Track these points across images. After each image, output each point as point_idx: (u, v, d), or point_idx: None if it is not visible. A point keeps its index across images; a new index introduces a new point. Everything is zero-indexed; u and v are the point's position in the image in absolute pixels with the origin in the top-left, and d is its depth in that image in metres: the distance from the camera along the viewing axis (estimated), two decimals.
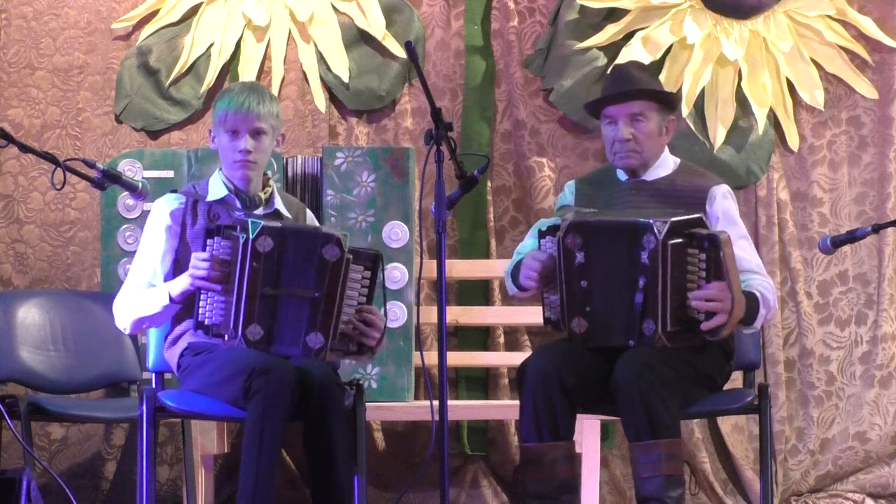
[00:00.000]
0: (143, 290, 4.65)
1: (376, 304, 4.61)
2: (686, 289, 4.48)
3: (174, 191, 4.75)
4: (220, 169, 4.74)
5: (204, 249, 4.50)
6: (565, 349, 4.63)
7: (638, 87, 4.79)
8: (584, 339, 4.58)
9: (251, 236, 4.44)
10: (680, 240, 4.49)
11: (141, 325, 4.67)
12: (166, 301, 4.58)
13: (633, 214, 4.61)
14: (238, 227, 4.48)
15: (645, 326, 4.50)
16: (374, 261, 4.54)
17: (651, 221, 4.48)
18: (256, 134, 4.65)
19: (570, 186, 4.94)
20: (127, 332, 4.70)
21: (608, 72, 5.03)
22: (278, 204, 4.74)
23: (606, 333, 4.58)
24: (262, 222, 4.47)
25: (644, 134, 4.78)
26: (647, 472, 4.47)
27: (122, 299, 4.69)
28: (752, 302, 4.60)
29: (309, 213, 4.89)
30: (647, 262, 4.48)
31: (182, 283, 4.54)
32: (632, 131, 4.77)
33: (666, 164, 4.86)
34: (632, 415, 4.49)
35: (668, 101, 4.88)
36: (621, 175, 4.87)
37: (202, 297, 4.48)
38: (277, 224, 4.51)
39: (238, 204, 4.67)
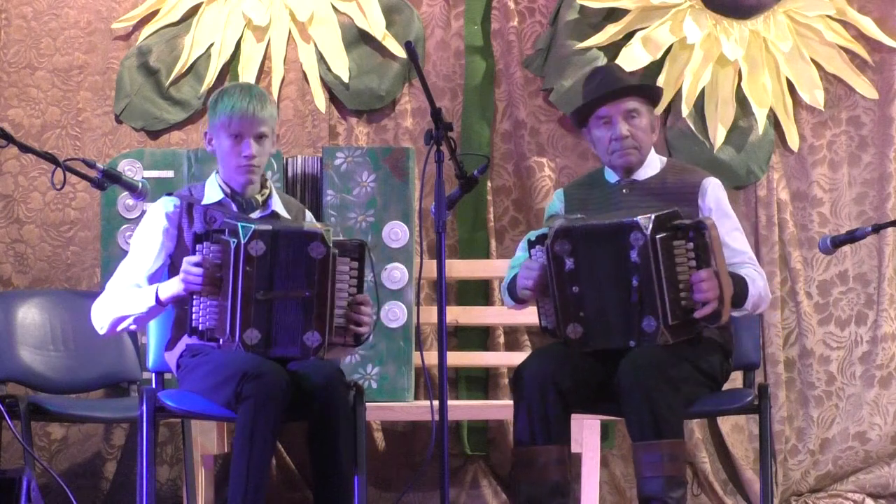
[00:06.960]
0: (127, 290, 4.61)
1: (370, 294, 4.62)
2: (679, 280, 4.49)
3: (169, 194, 4.72)
4: (217, 172, 4.72)
5: (194, 255, 4.48)
6: (561, 352, 4.62)
7: (629, 84, 4.83)
8: (581, 343, 4.57)
9: (243, 240, 4.42)
10: (666, 233, 4.50)
11: (119, 324, 4.60)
12: (152, 302, 4.54)
13: (626, 215, 4.61)
14: (227, 231, 4.45)
15: (645, 324, 4.50)
16: (359, 250, 4.55)
17: (636, 219, 4.50)
18: (259, 138, 4.63)
19: (558, 195, 4.95)
20: (103, 331, 4.63)
21: (587, 77, 4.98)
22: (276, 205, 4.71)
23: (604, 336, 4.57)
24: (253, 226, 4.44)
25: (641, 130, 4.81)
26: (649, 472, 4.46)
27: (103, 299, 4.65)
28: (738, 284, 4.61)
29: (308, 214, 4.87)
30: (637, 260, 4.49)
31: (173, 287, 4.50)
32: (629, 128, 4.79)
33: (654, 164, 4.87)
34: (635, 414, 4.48)
35: (656, 97, 4.93)
36: (610, 177, 4.87)
37: (194, 302, 4.46)
38: (268, 227, 4.48)
39: (234, 208, 4.64)
